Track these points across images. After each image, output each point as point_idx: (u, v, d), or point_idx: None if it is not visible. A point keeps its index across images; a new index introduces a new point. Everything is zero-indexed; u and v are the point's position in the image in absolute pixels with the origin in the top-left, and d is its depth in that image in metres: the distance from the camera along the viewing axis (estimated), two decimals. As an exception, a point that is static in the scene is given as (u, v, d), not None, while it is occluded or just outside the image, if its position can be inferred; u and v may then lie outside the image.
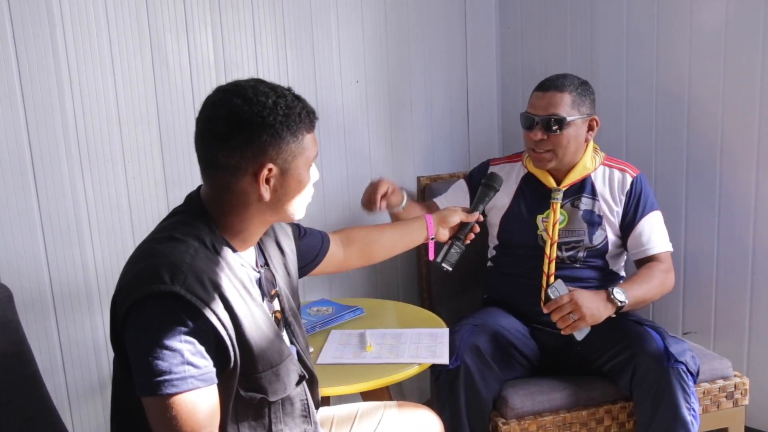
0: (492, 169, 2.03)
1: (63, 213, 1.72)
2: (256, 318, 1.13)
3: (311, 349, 1.71)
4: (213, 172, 1.12)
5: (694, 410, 1.65)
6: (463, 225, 1.70)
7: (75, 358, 1.78)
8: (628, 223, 1.91)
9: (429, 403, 1.70)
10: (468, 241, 1.71)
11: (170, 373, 1.00)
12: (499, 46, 2.60)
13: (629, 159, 2.36)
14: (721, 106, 2.11)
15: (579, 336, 1.70)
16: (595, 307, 1.69)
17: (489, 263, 2.10)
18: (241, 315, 1.09)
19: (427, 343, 1.73)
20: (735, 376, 1.87)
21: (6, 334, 1.41)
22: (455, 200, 2.03)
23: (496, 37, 2.59)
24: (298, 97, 1.14)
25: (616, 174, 1.93)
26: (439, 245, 1.70)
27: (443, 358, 1.66)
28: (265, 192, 1.11)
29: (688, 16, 2.15)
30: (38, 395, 1.46)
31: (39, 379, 1.47)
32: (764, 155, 2.05)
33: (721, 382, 1.84)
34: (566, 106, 1.82)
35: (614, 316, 1.73)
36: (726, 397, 1.84)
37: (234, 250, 1.15)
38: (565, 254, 1.91)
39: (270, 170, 1.10)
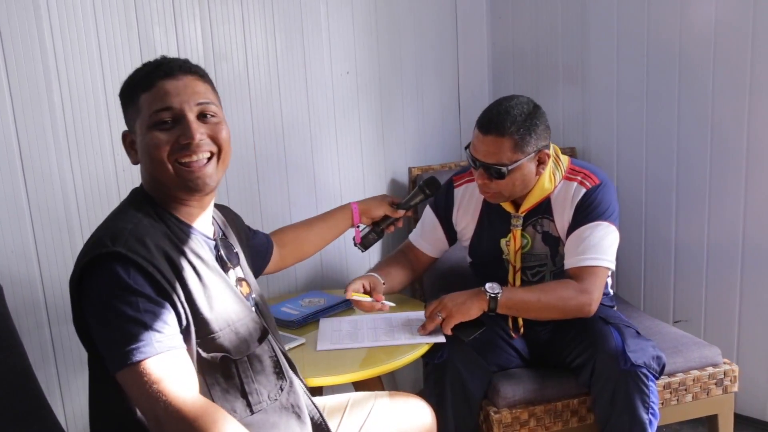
0: (456, 190, 1.92)
1: (52, 205, 1.72)
2: (207, 280, 1.15)
3: (303, 341, 1.72)
4: None
5: (653, 408, 1.63)
6: (386, 216, 1.80)
7: (66, 350, 1.78)
8: (568, 232, 1.76)
9: (422, 393, 1.71)
10: (388, 232, 1.81)
11: (135, 341, 1.02)
12: (490, 36, 2.60)
13: (619, 152, 2.38)
14: (712, 98, 2.12)
15: (463, 336, 1.69)
16: (461, 301, 1.67)
17: (469, 268, 2.06)
18: (188, 276, 1.12)
19: (419, 326, 1.73)
20: (724, 363, 1.88)
21: (-4, 327, 1.41)
22: (432, 237, 1.95)
23: (487, 27, 2.59)
24: (154, 62, 1.18)
25: (573, 187, 1.77)
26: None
27: (440, 338, 1.69)
28: (131, 156, 1.20)
29: (678, 9, 2.15)
30: (29, 389, 1.46)
31: (30, 373, 1.47)
32: (753, 147, 2.06)
33: (710, 370, 1.86)
34: (508, 152, 1.66)
35: (491, 311, 1.67)
36: (716, 384, 1.86)
37: (182, 221, 1.19)
38: (532, 279, 1.84)
39: (128, 136, 1.20)
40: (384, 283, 1.80)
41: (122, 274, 1.04)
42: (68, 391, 1.80)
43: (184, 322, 1.10)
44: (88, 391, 1.22)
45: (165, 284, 1.07)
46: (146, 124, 1.14)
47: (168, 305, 1.08)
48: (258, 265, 1.59)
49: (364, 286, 1.77)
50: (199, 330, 1.13)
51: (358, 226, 1.79)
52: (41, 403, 1.48)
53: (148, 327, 1.03)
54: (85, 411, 1.81)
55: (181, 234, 1.17)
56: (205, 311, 1.13)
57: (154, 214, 1.16)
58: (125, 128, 1.14)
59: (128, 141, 1.20)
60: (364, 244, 1.79)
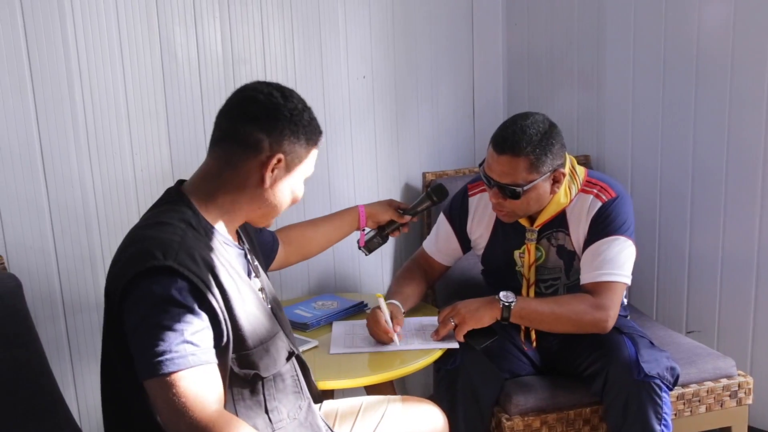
0: (471, 199, 1.89)
1: (72, 204, 1.74)
2: (244, 295, 1.16)
3: (316, 343, 1.73)
4: (228, 145, 1.18)
5: (665, 420, 1.62)
6: (392, 221, 1.79)
7: (82, 348, 1.80)
8: (584, 246, 1.74)
9: (433, 398, 1.71)
10: (393, 237, 1.81)
11: (170, 352, 1.02)
12: (506, 42, 2.60)
13: (634, 159, 2.37)
14: (728, 105, 2.10)
15: (475, 344, 1.67)
16: (475, 307, 1.67)
17: (481, 275, 2.06)
18: (230, 292, 1.12)
19: (432, 331, 1.73)
20: (739, 375, 1.87)
21: (15, 324, 1.43)
22: (447, 245, 1.93)
23: (502, 34, 2.59)
24: (315, 117, 1.25)
25: (589, 200, 1.74)
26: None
27: (453, 344, 1.69)
28: (269, 178, 1.17)
29: (695, 15, 2.14)
30: (45, 384, 1.48)
31: (46, 369, 1.49)
32: (771, 154, 2.05)
33: (724, 381, 1.84)
34: (523, 172, 1.63)
35: (504, 320, 1.67)
36: (730, 396, 1.84)
37: (217, 231, 1.19)
38: (545, 292, 1.82)
39: (279, 161, 1.17)
40: (404, 311, 1.80)
41: (171, 287, 1.04)
42: (82, 384, 1.82)
43: (225, 338, 1.10)
44: (103, 394, 1.21)
45: (212, 300, 1.08)
46: (305, 174, 1.24)
47: (208, 320, 1.07)
48: (263, 263, 1.59)
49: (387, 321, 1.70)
50: (236, 345, 1.13)
51: (363, 230, 1.78)
52: (56, 398, 1.50)
53: (184, 339, 1.03)
54: (99, 407, 1.84)
55: (218, 246, 1.17)
56: (243, 327, 1.14)
57: (194, 220, 1.15)
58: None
59: (279, 165, 1.18)
60: (368, 247, 1.79)
